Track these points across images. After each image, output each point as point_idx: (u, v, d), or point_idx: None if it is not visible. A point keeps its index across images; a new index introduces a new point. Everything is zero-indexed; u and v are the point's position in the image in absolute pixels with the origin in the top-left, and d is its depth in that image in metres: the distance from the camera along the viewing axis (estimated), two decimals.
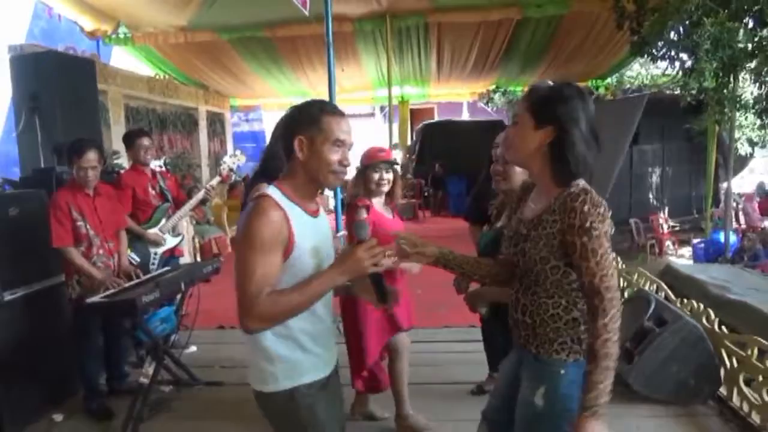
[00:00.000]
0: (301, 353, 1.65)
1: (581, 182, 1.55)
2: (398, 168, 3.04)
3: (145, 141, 4.00)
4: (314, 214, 1.70)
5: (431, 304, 5.00)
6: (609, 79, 12.35)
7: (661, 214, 9.12)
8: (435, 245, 1.79)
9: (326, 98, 4.99)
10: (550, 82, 1.64)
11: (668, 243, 8.81)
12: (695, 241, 8.41)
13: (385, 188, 2.95)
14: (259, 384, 1.67)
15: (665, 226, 8.94)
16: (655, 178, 10.86)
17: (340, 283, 1.57)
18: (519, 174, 2.20)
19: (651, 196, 10.81)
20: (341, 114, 1.66)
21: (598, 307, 1.45)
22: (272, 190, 1.62)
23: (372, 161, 2.94)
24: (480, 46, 10.30)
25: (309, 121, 1.62)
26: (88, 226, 3.39)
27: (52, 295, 3.58)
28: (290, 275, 1.57)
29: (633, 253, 8.60)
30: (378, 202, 2.95)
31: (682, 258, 8.47)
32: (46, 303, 3.54)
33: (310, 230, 1.64)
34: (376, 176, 2.92)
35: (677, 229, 9.55)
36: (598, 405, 1.43)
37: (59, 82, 4.55)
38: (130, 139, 4.07)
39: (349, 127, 1.66)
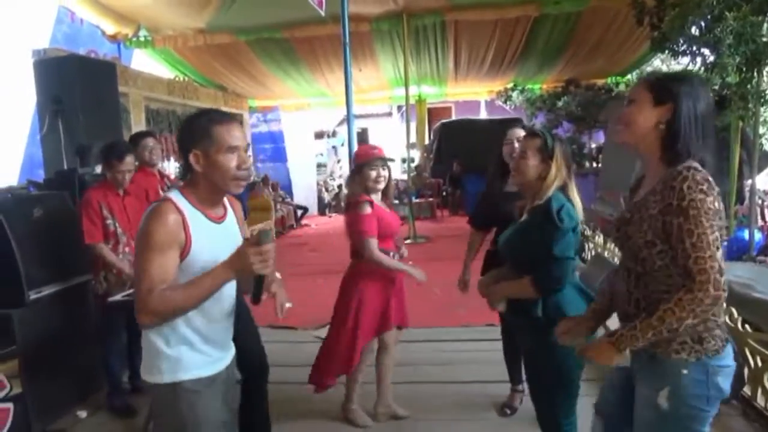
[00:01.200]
0: (187, 350, 1.71)
1: (690, 162, 1.50)
2: (390, 165, 3.08)
3: (150, 141, 4.02)
4: (218, 219, 1.76)
5: (449, 303, 5.00)
6: (629, 76, 12.18)
7: None
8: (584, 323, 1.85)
9: (343, 98, 5.01)
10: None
11: None
12: None
13: (382, 185, 3.00)
14: (146, 374, 1.74)
15: None
16: None
17: (228, 279, 1.62)
18: (532, 168, 2.20)
19: None
20: (230, 120, 1.72)
21: (687, 287, 1.43)
22: (175, 195, 1.69)
23: (368, 159, 2.96)
24: (497, 44, 10.24)
25: (200, 134, 1.67)
26: (116, 225, 3.47)
27: (75, 294, 3.66)
28: (186, 276, 1.64)
29: None
30: (376, 199, 2.98)
31: None
32: (70, 302, 3.61)
33: (210, 235, 1.71)
34: (374, 174, 2.95)
35: None
36: (621, 342, 1.51)
37: (81, 85, 4.64)
38: (134, 141, 4.11)
39: (241, 132, 1.72)
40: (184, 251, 1.65)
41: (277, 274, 2.04)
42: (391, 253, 3.01)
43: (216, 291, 1.63)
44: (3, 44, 7.47)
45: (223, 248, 1.69)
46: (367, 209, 2.91)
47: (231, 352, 1.90)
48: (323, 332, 4.85)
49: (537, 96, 12.58)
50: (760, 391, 3.06)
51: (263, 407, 2.88)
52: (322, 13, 4.96)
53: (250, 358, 2.66)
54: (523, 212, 2.29)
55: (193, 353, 1.72)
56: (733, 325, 3.24)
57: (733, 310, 3.34)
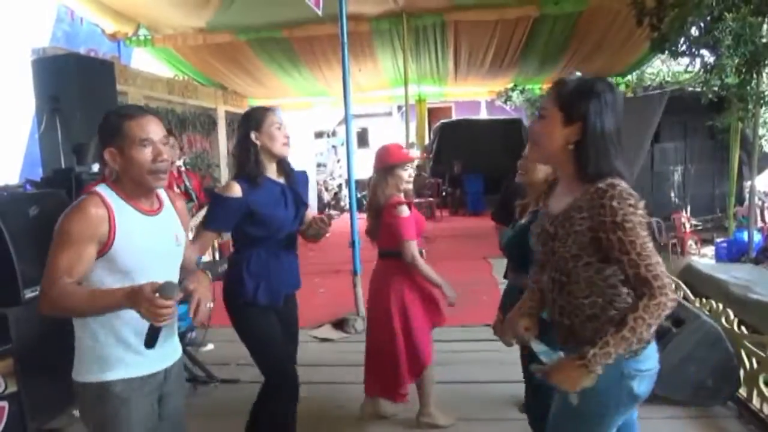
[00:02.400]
0: (118, 348, 1.67)
1: (609, 178, 1.50)
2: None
3: (169, 139, 4.05)
4: (151, 212, 1.75)
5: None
6: (629, 76, 12.16)
7: (683, 213, 8.96)
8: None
9: (341, 98, 5.00)
10: (579, 74, 1.64)
11: (690, 242, 8.65)
12: (718, 240, 8.25)
13: (409, 186, 3.02)
14: (75, 373, 1.72)
15: (687, 225, 8.79)
16: (677, 177, 10.68)
17: (122, 307, 1.54)
18: (541, 169, 2.18)
19: (673, 194, 10.63)
20: (142, 113, 1.72)
21: (646, 294, 1.43)
22: (103, 189, 1.69)
23: (401, 161, 2.94)
24: (498, 44, 10.23)
25: (111, 131, 1.67)
26: None
27: None
28: (107, 269, 1.65)
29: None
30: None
31: (705, 257, 8.32)
32: None
33: (142, 227, 1.70)
34: (406, 174, 2.95)
35: (700, 228, 9.39)
36: (594, 362, 1.44)
37: (79, 84, 4.63)
38: None
39: (157, 126, 1.70)
40: (107, 245, 1.64)
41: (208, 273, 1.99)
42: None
43: (113, 311, 1.59)
44: (4, 43, 7.47)
45: (158, 240, 1.72)
46: (406, 212, 2.89)
47: (174, 355, 1.85)
48: (321, 332, 4.88)
49: (537, 96, 12.56)
50: (755, 392, 3.06)
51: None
52: (320, 13, 4.95)
53: (286, 375, 2.56)
54: (524, 212, 2.28)
55: (124, 352, 1.68)
56: (729, 327, 3.24)
57: (730, 311, 3.33)
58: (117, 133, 1.66)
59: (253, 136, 2.39)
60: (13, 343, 3.21)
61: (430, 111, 15.41)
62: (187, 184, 4.27)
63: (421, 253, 2.94)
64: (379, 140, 14.26)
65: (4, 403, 3.12)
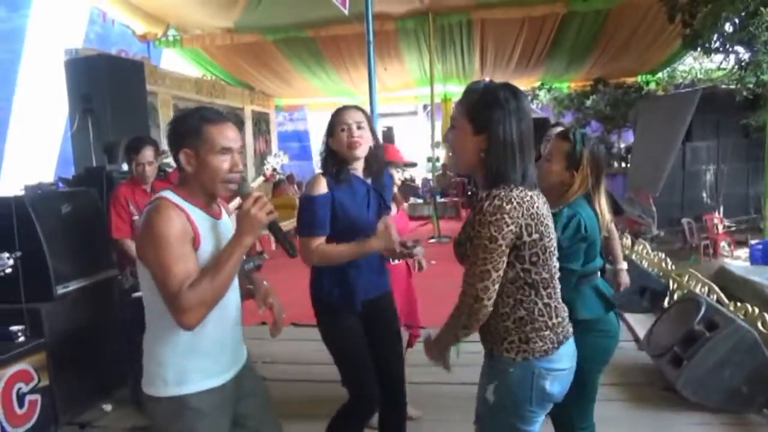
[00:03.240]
0: (194, 358, 1.62)
1: (500, 189, 1.52)
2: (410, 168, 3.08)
3: None
4: (216, 216, 1.71)
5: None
6: (660, 74, 11.92)
7: (716, 214, 8.73)
8: None
9: (367, 97, 5.00)
10: (487, 79, 1.64)
11: (723, 244, 8.43)
12: (753, 242, 8.02)
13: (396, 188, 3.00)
14: (148, 386, 1.64)
15: (720, 226, 8.56)
16: (709, 176, 10.40)
17: (247, 245, 1.57)
18: (555, 174, 2.14)
19: (705, 195, 10.36)
20: (223, 120, 1.65)
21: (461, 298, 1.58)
22: (169, 194, 1.62)
23: (395, 160, 2.94)
24: (524, 42, 10.12)
25: (190, 132, 1.61)
26: None
27: (101, 289, 3.72)
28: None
29: (686, 253, 8.29)
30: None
31: (738, 260, 8.09)
32: (96, 297, 3.68)
33: (211, 231, 1.66)
34: (397, 175, 2.96)
35: (733, 229, 9.14)
36: (437, 342, 1.73)
37: (110, 84, 4.73)
38: None
39: (234, 134, 1.65)
40: (195, 244, 1.59)
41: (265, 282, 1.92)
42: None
43: (237, 267, 1.58)
44: (40, 45, 7.66)
45: (223, 244, 1.66)
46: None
47: (240, 362, 1.78)
48: None
49: (565, 95, 12.41)
50: None
51: None
52: (346, 12, 4.96)
53: (393, 385, 2.44)
54: None
55: (200, 362, 1.63)
56: (766, 332, 3.14)
57: (766, 316, 3.24)
58: (196, 135, 1.61)
59: (330, 142, 2.29)
60: (46, 338, 3.28)
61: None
62: None
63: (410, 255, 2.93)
64: (404, 139, 14.25)
65: (37, 396, 3.20)
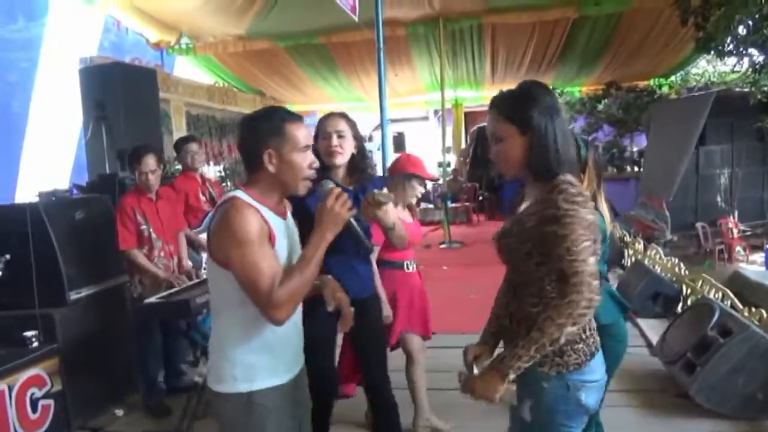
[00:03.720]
0: (262, 357, 1.64)
1: (566, 176, 1.53)
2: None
3: (193, 146, 4.12)
4: (283, 216, 1.72)
5: (484, 308, 4.92)
6: (673, 77, 11.83)
7: (731, 218, 8.63)
8: None
9: (377, 103, 5.03)
10: (512, 88, 1.63)
11: (738, 248, 8.32)
12: None
13: (415, 200, 3.02)
14: (216, 382, 1.66)
15: (735, 231, 8.45)
16: (723, 180, 10.29)
17: (328, 240, 1.60)
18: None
19: (719, 199, 10.25)
20: (300, 118, 1.68)
21: (561, 290, 1.46)
22: (241, 194, 1.62)
23: (419, 173, 2.93)
24: (535, 46, 10.11)
25: (274, 132, 1.62)
26: (150, 230, 3.54)
27: (114, 295, 3.76)
28: None
29: (700, 258, 8.20)
30: (399, 208, 2.92)
31: (753, 265, 7.98)
32: (109, 302, 3.72)
33: (283, 230, 1.68)
34: (420, 189, 2.96)
35: (748, 233, 9.02)
36: (505, 366, 1.47)
37: (124, 92, 4.80)
38: (179, 145, 4.21)
39: (307, 130, 1.68)
40: (271, 242, 1.60)
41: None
42: (410, 261, 2.99)
43: (320, 263, 1.60)
44: (56, 53, 7.77)
45: (292, 242, 1.70)
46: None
47: (300, 363, 1.82)
48: None
49: (576, 99, 12.35)
50: None
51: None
52: (356, 19, 4.99)
53: (375, 385, 2.54)
54: None
55: (268, 360, 1.66)
56: None
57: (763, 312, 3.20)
58: (279, 134, 1.62)
59: (318, 147, 2.34)
60: (59, 343, 3.32)
61: (467, 115, 15.32)
62: (212, 191, 4.34)
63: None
64: (415, 145, 14.26)
65: (50, 401, 3.23)
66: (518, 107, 1.56)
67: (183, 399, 3.46)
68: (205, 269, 4.18)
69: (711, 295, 3.99)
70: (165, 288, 3.40)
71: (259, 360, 1.64)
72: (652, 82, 12.14)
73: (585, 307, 1.43)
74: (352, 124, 2.39)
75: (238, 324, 1.62)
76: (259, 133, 1.63)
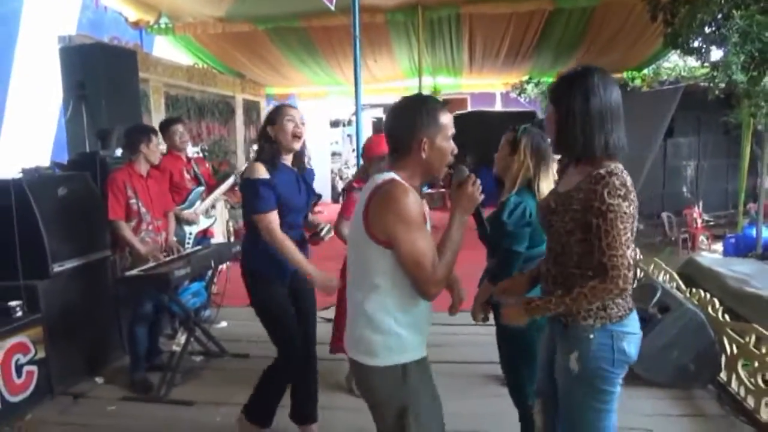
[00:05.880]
0: (412, 331, 1.74)
1: (612, 164, 1.65)
2: None
3: (180, 127, 4.29)
4: (422, 198, 1.84)
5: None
6: (645, 70, 12.13)
7: (696, 209, 8.99)
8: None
9: (353, 89, 5.18)
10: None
11: (702, 238, 8.69)
12: (728, 235, 8.29)
13: None
14: (364, 355, 1.74)
15: (699, 221, 8.82)
16: (690, 172, 10.68)
17: (466, 221, 1.75)
18: (500, 160, 2.54)
19: (685, 189, 10.63)
20: (445, 107, 1.78)
21: (601, 279, 1.61)
22: (396, 176, 1.72)
23: (384, 154, 3.13)
24: (512, 37, 10.27)
25: (433, 121, 1.71)
26: (140, 204, 3.70)
27: (96, 269, 3.92)
28: None
29: (663, 247, 8.55)
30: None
31: (715, 254, 8.36)
32: (91, 275, 3.87)
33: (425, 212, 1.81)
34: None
35: (712, 224, 9.41)
36: (532, 308, 1.74)
37: (104, 72, 4.85)
38: (165, 126, 4.36)
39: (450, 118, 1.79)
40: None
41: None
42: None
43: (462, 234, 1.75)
44: (35, 29, 7.73)
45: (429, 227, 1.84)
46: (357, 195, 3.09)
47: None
48: (327, 313, 5.10)
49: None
50: (734, 376, 3.21)
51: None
52: (332, 8, 5.12)
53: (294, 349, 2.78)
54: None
55: (414, 335, 1.75)
56: (714, 315, 3.38)
57: (716, 301, 3.48)
58: (433, 123, 1.70)
59: (269, 129, 2.65)
60: (42, 313, 3.48)
61: (446, 102, 15.44)
62: (196, 170, 4.51)
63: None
64: None
65: (34, 368, 3.40)
66: (555, 86, 1.74)
67: (159, 375, 3.63)
68: (188, 243, 4.35)
69: (660, 278, 4.27)
70: (152, 261, 3.57)
71: (409, 335, 1.73)
72: (625, 74, 12.43)
73: (616, 294, 1.62)
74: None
75: (392, 300, 1.71)
76: (416, 121, 1.70)
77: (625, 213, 1.59)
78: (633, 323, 1.76)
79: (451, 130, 1.76)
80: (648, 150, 9.02)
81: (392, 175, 1.71)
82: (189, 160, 4.50)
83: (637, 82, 12.27)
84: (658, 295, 3.51)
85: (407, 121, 1.73)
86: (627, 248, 1.60)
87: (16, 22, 7.40)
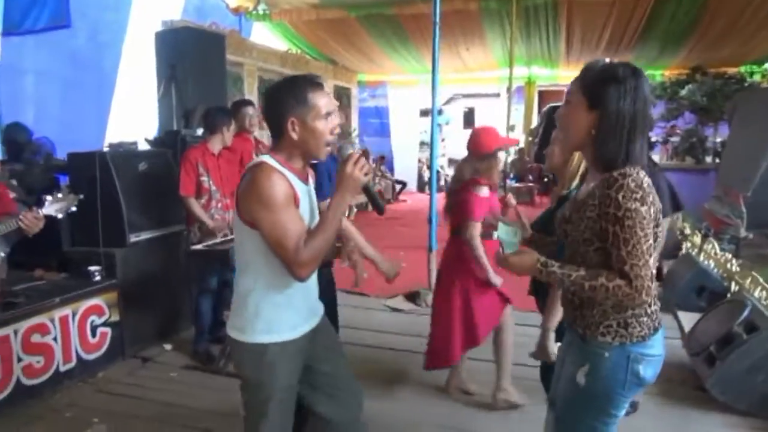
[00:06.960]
0: (280, 312, 1.76)
1: (628, 168, 1.50)
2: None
3: (250, 110, 4.36)
4: (305, 180, 1.82)
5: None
6: (767, 65, 11.01)
7: None
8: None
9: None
10: (607, 60, 1.59)
11: None
12: None
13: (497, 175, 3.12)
14: (235, 331, 1.80)
15: None
16: None
17: (347, 202, 1.69)
18: (555, 155, 2.22)
19: None
20: (322, 86, 1.75)
21: (627, 283, 1.47)
22: (268, 158, 1.72)
23: (495, 149, 2.99)
24: (614, 25, 9.65)
25: (298, 100, 1.69)
26: (210, 182, 3.83)
27: (168, 242, 4.13)
28: None
29: None
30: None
31: None
32: (164, 247, 4.09)
33: (306, 195, 1.79)
34: (499, 161, 3.08)
35: None
36: (546, 270, 1.56)
37: (193, 55, 5.10)
38: (236, 108, 4.45)
39: (330, 97, 1.77)
40: (296, 204, 1.69)
41: (372, 250, 2.31)
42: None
43: (340, 224, 1.74)
44: (144, 14, 8.26)
45: (313, 208, 1.82)
46: (485, 192, 2.95)
47: (318, 315, 1.94)
48: (394, 302, 5.08)
49: (657, 83, 11.72)
50: None
51: None
52: None
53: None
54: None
55: (288, 315, 1.77)
56: None
57: None
58: (302, 102, 1.69)
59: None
60: (118, 279, 3.72)
61: (542, 94, 14.90)
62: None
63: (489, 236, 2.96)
64: (485, 121, 14.08)
65: (107, 330, 3.64)
66: (595, 80, 1.53)
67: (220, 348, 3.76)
68: None
69: (756, 294, 3.85)
70: (221, 237, 3.69)
71: (281, 315, 1.76)
72: (742, 68, 11.34)
73: (637, 304, 1.52)
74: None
75: (263, 280, 1.75)
76: (283, 102, 1.70)
77: (645, 218, 1.45)
78: (656, 344, 1.60)
79: (327, 109, 1.71)
80: (763, 152, 8.19)
81: (263, 158, 1.73)
82: (258, 142, 4.59)
83: (756, 77, 11.16)
84: (746, 312, 3.16)
85: (276, 103, 1.73)
86: (649, 256, 1.47)
87: (127, 8, 7.91)
